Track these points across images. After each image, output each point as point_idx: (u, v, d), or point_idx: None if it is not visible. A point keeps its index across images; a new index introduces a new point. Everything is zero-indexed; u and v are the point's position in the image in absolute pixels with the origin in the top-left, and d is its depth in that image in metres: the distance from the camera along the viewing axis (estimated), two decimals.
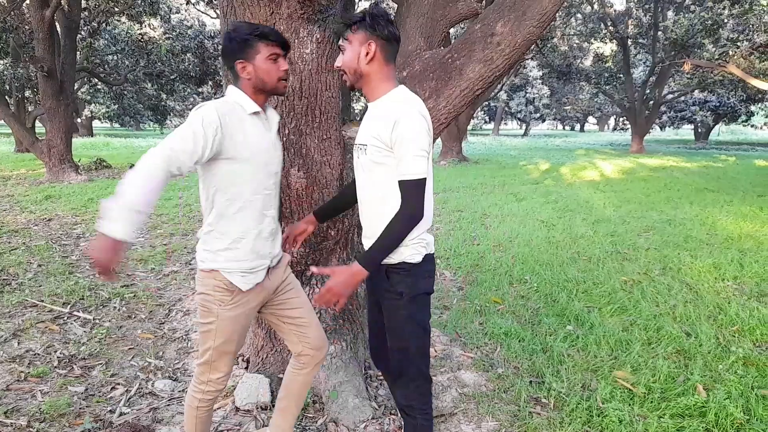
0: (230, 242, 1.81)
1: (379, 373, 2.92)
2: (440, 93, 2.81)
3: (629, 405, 2.57)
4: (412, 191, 1.67)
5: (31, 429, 2.39)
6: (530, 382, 2.83)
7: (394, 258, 1.76)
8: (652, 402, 2.60)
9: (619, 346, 3.23)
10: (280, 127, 1.97)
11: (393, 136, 1.66)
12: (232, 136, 1.72)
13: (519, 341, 3.32)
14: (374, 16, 1.71)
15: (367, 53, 1.71)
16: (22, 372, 2.88)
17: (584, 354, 3.15)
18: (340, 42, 1.80)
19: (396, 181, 1.70)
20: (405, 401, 1.93)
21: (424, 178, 1.67)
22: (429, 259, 1.81)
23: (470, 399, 2.69)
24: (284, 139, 2.47)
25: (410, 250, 1.76)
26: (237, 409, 2.58)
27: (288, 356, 2.78)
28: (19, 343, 3.23)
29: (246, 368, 2.92)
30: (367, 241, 1.85)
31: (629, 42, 21.98)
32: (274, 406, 2.56)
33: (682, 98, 28.54)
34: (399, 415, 2.52)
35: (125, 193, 1.54)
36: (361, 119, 3.12)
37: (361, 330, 2.96)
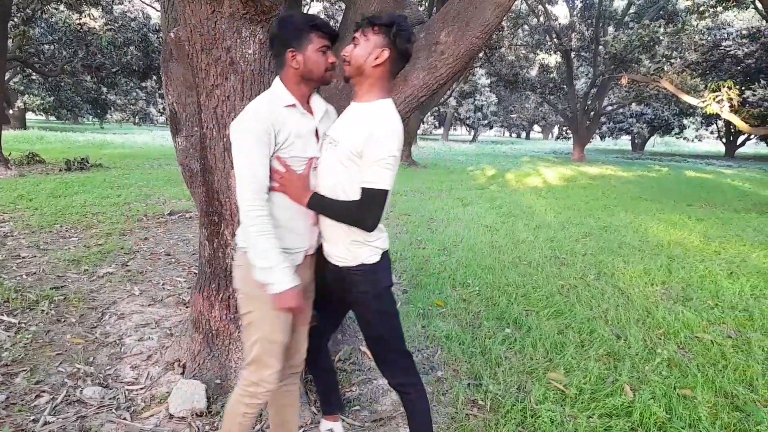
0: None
1: None
2: None
3: (561, 406, 2.67)
4: (372, 199, 1.72)
5: None
6: (468, 384, 2.89)
7: (353, 261, 1.84)
8: (582, 402, 2.70)
9: (554, 349, 3.35)
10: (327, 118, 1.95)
11: (364, 146, 1.70)
12: (280, 130, 1.76)
13: (459, 344, 3.37)
14: (401, 29, 1.74)
15: (377, 57, 1.74)
16: None
17: (521, 356, 3.24)
18: (356, 34, 1.80)
19: (356, 186, 1.74)
20: (394, 381, 2.00)
21: (386, 191, 1.72)
22: (385, 255, 1.89)
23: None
24: (224, 139, 2.43)
25: (368, 252, 1.83)
26: (171, 416, 2.50)
27: (225, 361, 2.72)
28: None
29: (182, 374, 2.84)
30: (326, 244, 1.91)
31: (572, 54, 22.85)
32: (209, 411, 2.51)
33: (621, 110, 29.92)
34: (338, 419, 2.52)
35: (263, 260, 1.70)
36: None
37: None
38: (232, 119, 2.39)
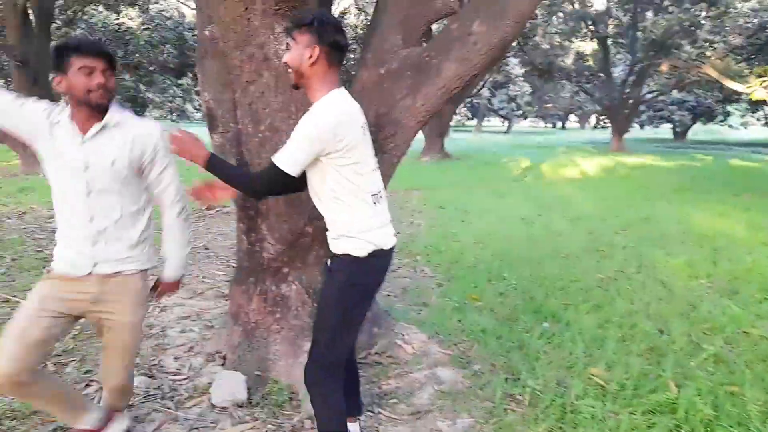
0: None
1: (358, 370, 2.93)
2: (417, 91, 2.80)
3: (602, 402, 2.61)
4: (267, 171, 1.84)
5: (2, 427, 2.34)
6: (506, 379, 2.86)
7: (338, 249, 1.89)
8: (624, 398, 2.64)
9: (594, 344, 3.28)
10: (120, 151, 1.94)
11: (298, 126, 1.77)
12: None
13: (496, 338, 3.34)
14: (322, 23, 1.77)
15: (311, 56, 1.77)
16: None
17: (559, 351, 3.19)
18: (288, 39, 1.85)
19: (322, 179, 1.84)
20: (308, 380, 2.00)
21: (285, 170, 1.77)
22: (378, 254, 1.88)
23: (446, 396, 2.70)
24: (260, 135, 2.46)
25: (353, 244, 1.85)
26: (213, 406, 2.56)
27: (265, 353, 2.77)
28: None
29: (222, 365, 2.90)
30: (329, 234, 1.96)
31: (609, 41, 22.22)
32: (250, 402, 2.56)
33: (661, 98, 28.96)
34: (375, 411, 2.53)
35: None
36: None
37: None
38: (267, 115, 2.42)
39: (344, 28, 1.84)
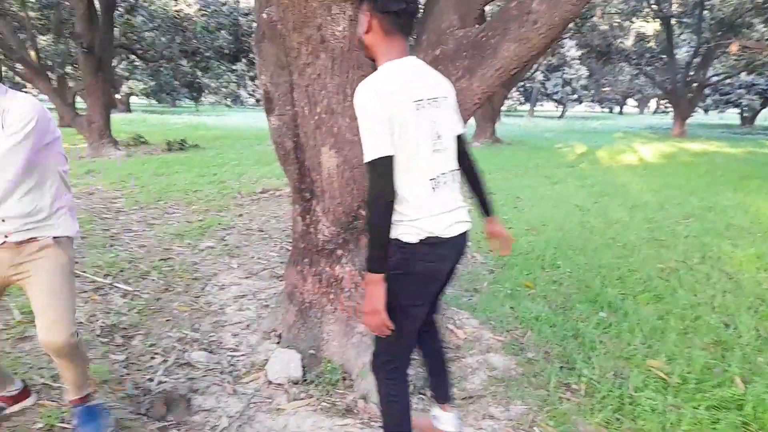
0: None
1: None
2: (474, 72, 2.75)
3: (662, 394, 2.53)
4: (372, 174, 1.66)
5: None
6: (560, 367, 2.81)
7: (393, 233, 1.74)
8: (686, 392, 2.55)
9: (654, 335, 3.17)
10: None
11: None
12: None
13: (550, 326, 3.28)
14: None
15: (364, 27, 1.74)
16: None
17: (617, 341, 3.10)
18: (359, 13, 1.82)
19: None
20: (375, 376, 1.97)
21: (381, 158, 1.63)
22: (429, 243, 1.74)
23: (499, 382, 2.68)
24: (316, 117, 2.48)
25: (402, 229, 1.74)
26: (269, 382, 2.63)
27: (319, 333, 2.82)
28: None
29: (278, 343, 2.98)
30: None
31: (673, 21, 21.12)
32: (304, 380, 2.62)
33: (728, 81, 27.36)
34: (428, 395, 2.54)
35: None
36: None
37: None
38: (323, 97, 2.44)
39: None
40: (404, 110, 1.65)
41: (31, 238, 2.02)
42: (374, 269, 1.68)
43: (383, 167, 1.64)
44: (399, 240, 1.75)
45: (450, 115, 1.83)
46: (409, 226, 1.73)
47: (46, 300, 2.03)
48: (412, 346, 1.96)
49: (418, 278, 1.80)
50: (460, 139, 1.93)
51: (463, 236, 1.84)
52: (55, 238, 2.07)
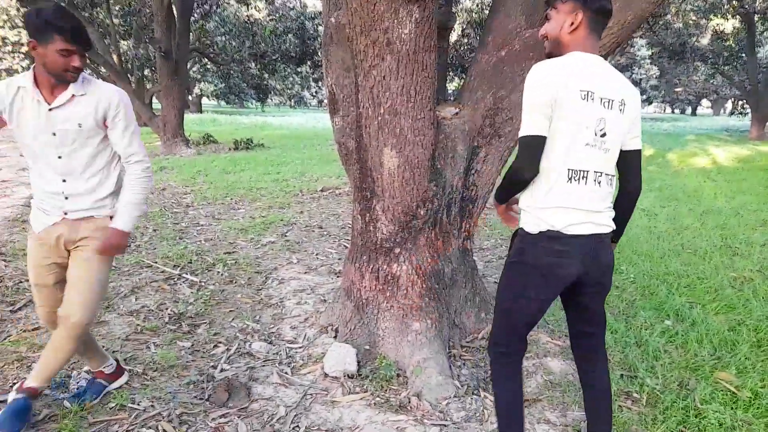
0: None
1: (464, 353, 2.95)
2: None
3: (731, 408, 2.41)
4: (520, 148, 1.73)
5: (145, 376, 2.66)
6: (621, 375, 2.73)
7: (520, 223, 1.84)
8: (758, 408, 2.42)
9: (724, 346, 3.02)
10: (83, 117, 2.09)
11: None
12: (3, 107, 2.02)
13: (611, 333, 3.19)
14: None
15: (572, 23, 1.73)
16: (138, 325, 3.20)
17: (683, 351, 2.98)
18: (548, 10, 1.82)
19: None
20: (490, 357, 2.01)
21: (532, 136, 1.67)
22: (551, 236, 1.71)
23: (556, 387, 2.64)
24: (379, 118, 2.52)
25: (526, 218, 1.79)
26: (325, 375, 2.71)
27: (374, 329, 2.88)
28: (136, 299, 3.59)
29: (335, 337, 3.06)
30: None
31: (756, 18, 19.84)
32: (359, 374, 2.68)
33: None
34: (481, 396, 2.54)
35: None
36: (455, 99, 3.12)
37: (446, 309, 2.99)
38: (387, 98, 2.48)
39: None
40: (568, 95, 1.64)
41: (89, 217, 2.17)
42: (498, 200, 1.94)
43: (533, 146, 1.68)
44: (522, 229, 1.81)
45: (625, 123, 1.77)
46: (532, 215, 1.75)
47: (78, 280, 2.15)
48: (521, 337, 1.91)
49: (532, 270, 1.77)
50: (635, 157, 1.86)
51: (593, 238, 1.75)
52: (112, 218, 2.20)
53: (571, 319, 2.00)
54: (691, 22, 21.98)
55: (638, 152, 1.84)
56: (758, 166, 11.63)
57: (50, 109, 2.02)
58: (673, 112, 60.57)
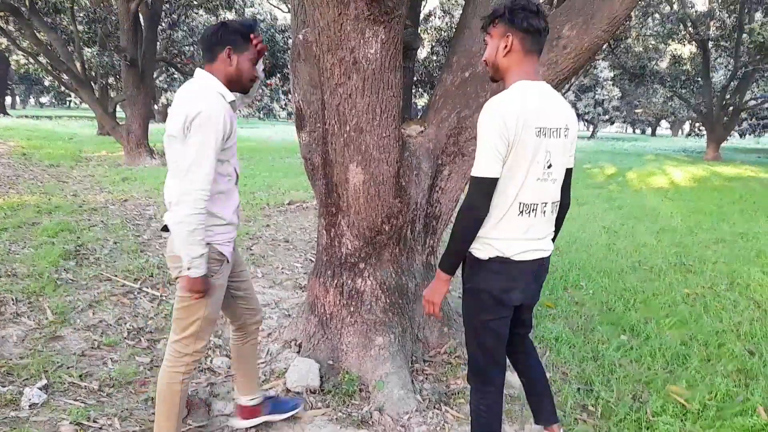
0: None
1: (426, 368, 2.98)
2: None
3: (681, 420, 2.51)
4: (473, 187, 1.71)
5: (101, 393, 2.60)
6: (578, 389, 2.80)
7: (471, 249, 1.82)
8: (706, 420, 2.52)
9: (676, 360, 3.14)
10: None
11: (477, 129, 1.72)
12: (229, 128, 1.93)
13: (569, 347, 3.28)
14: (512, 10, 1.73)
15: (506, 46, 1.74)
16: (95, 340, 3.13)
17: (637, 365, 3.08)
18: (485, 38, 1.85)
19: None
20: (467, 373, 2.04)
21: (486, 178, 1.67)
22: (501, 261, 1.77)
23: (515, 401, 2.69)
24: (345, 135, 2.56)
25: (476, 244, 1.80)
26: (288, 390, 2.70)
27: (338, 344, 2.88)
28: (93, 313, 3.50)
29: (298, 352, 3.05)
30: None
31: (710, 44, 20.80)
32: (322, 389, 2.68)
33: (766, 105, 26.76)
34: (442, 410, 2.57)
35: (193, 248, 1.85)
36: (422, 117, 3.18)
37: (410, 324, 3.03)
38: (353, 116, 2.52)
39: (540, 11, 1.73)
40: (526, 135, 1.66)
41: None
42: (444, 269, 1.81)
43: (487, 186, 1.69)
44: (471, 254, 1.83)
45: (567, 148, 1.81)
46: (481, 243, 1.78)
47: (252, 287, 2.33)
48: (499, 362, 1.96)
49: (485, 294, 1.83)
50: (568, 175, 1.92)
51: (537, 262, 1.84)
52: None
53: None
54: (650, 46, 22.90)
55: (571, 170, 1.93)
56: (712, 186, 12.12)
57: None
58: (634, 132, 62.60)
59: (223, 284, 2.07)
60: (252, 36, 1.99)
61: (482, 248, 1.79)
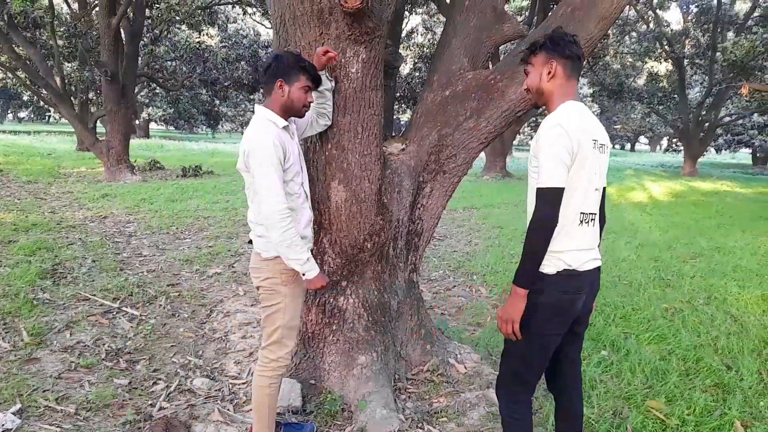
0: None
1: (409, 386, 2.97)
2: (481, 113, 2.86)
3: None
4: (541, 199, 1.76)
5: (78, 417, 2.55)
6: None
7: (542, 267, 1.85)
8: None
9: (655, 375, 3.17)
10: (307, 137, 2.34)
11: (535, 147, 1.80)
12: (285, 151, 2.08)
13: None
14: (553, 39, 1.87)
15: (549, 72, 1.87)
16: (72, 362, 3.06)
17: (617, 381, 3.11)
18: (525, 67, 1.97)
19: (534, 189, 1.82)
20: (499, 400, 2.05)
21: (555, 188, 1.73)
22: (569, 274, 1.82)
23: (498, 418, 2.68)
24: (326, 153, 2.57)
25: (548, 261, 1.82)
26: (293, 413, 2.66)
27: (320, 363, 2.86)
28: (71, 334, 3.43)
29: None
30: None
31: (685, 62, 21.35)
32: (304, 410, 2.65)
33: (740, 121, 27.46)
34: (425, 429, 2.56)
35: (299, 256, 2.09)
36: (403, 134, 3.20)
37: (392, 342, 3.02)
38: (334, 134, 2.54)
39: (576, 41, 1.89)
40: (586, 147, 1.78)
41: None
42: (522, 285, 1.80)
43: (555, 196, 1.75)
44: (540, 272, 1.84)
45: (606, 162, 1.93)
46: (550, 256, 1.81)
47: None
48: (539, 375, 2.01)
49: (552, 309, 1.86)
50: (604, 192, 2.01)
51: (595, 271, 1.93)
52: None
53: (559, 349, 2.02)
54: (628, 63, 23.43)
55: (605, 188, 2.01)
56: (690, 201, 12.36)
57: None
58: (613, 147, 63.67)
59: (302, 291, 2.28)
60: (303, 67, 2.11)
61: (549, 263, 1.82)
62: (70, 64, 16.52)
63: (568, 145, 1.74)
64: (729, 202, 12.38)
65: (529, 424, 2.01)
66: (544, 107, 1.96)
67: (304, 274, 2.11)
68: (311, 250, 2.29)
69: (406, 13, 18.24)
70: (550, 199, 1.74)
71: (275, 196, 2.00)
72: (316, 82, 2.18)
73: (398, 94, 16.86)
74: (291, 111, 2.15)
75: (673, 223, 8.81)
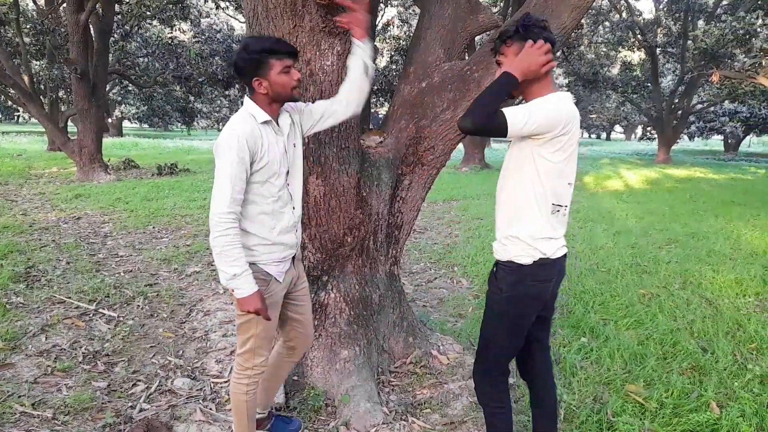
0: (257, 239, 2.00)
1: (392, 379, 2.97)
2: (458, 104, 2.85)
3: (640, 419, 2.57)
4: (496, 114, 1.70)
5: (56, 421, 2.49)
6: None
7: (504, 255, 1.89)
8: (663, 417, 2.59)
9: (634, 360, 3.22)
10: (292, 130, 2.09)
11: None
12: (256, 150, 1.91)
13: None
14: (526, 26, 1.79)
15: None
16: (49, 366, 3.00)
17: (597, 367, 3.15)
18: (497, 58, 1.91)
19: (518, 167, 1.85)
20: (478, 388, 2.08)
21: (504, 122, 1.69)
22: (543, 263, 1.85)
23: (480, 408, 2.70)
24: (304, 147, 2.54)
25: (518, 250, 1.85)
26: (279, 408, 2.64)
27: (303, 359, 2.85)
28: (46, 337, 3.36)
29: None
30: (498, 234, 1.98)
31: (658, 51, 21.67)
32: (288, 406, 2.64)
33: (712, 108, 28.00)
34: (409, 421, 2.56)
35: (226, 269, 1.85)
36: (380, 127, 3.19)
37: (375, 335, 3.01)
38: None
39: (548, 27, 1.82)
40: (574, 137, 1.79)
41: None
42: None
43: (497, 125, 1.72)
44: (513, 262, 1.86)
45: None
46: (526, 247, 1.84)
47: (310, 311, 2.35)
48: (513, 356, 2.08)
49: (528, 299, 1.91)
50: None
51: (564, 258, 1.96)
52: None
53: (529, 335, 2.05)
54: (602, 53, 23.67)
55: None
56: (665, 188, 12.58)
57: (280, 135, 2.02)
58: (589, 137, 64.49)
59: (276, 302, 2.09)
60: (271, 51, 1.90)
61: (525, 252, 1.84)
62: (38, 62, 16.10)
63: (564, 117, 1.72)
64: (702, 188, 12.64)
65: (508, 412, 2.05)
66: (521, 98, 1.92)
67: (232, 291, 1.91)
68: (293, 257, 2.15)
69: (382, 5, 18.16)
70: (496, 123, 1.70)
71: (222, 197, 1.83)
72: (293, 55, 1.95)
73: (375, 87, 16.79)
74: (280, 99, 1.96)
75: (648, 210, 8.96)
